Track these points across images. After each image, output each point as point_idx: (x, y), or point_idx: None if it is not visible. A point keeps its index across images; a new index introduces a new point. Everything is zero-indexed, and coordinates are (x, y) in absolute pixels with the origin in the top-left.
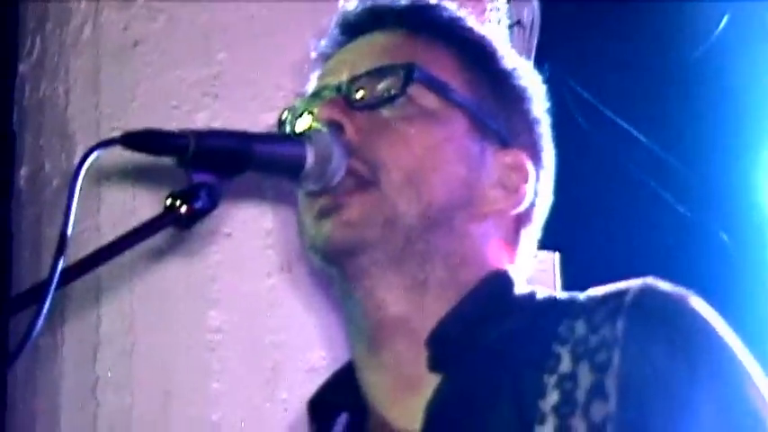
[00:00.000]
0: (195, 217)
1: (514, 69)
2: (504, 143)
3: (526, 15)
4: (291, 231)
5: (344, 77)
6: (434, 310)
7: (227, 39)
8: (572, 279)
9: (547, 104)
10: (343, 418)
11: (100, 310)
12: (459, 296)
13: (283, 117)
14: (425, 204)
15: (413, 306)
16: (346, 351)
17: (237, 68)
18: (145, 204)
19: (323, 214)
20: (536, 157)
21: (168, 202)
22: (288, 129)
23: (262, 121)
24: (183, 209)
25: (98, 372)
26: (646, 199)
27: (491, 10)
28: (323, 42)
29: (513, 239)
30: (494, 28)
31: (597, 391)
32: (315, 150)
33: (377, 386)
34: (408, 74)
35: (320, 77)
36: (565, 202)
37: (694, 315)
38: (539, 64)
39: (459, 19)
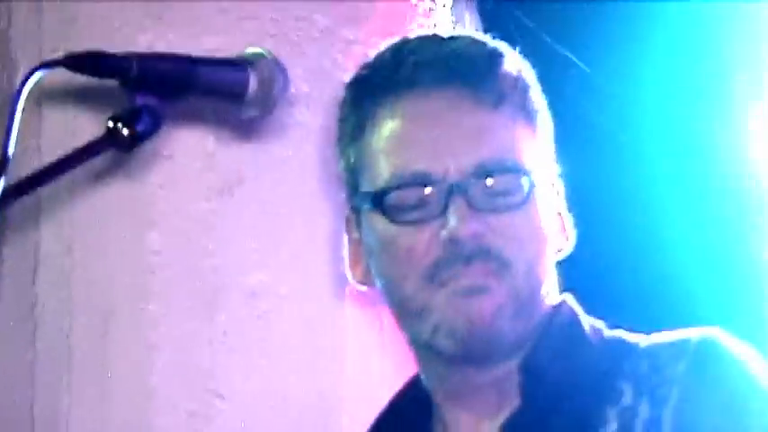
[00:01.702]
0: (137, 139)
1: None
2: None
3: None
4: (233, 154)
5: (451, 167)
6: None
7: None
8: None
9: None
10: None
11: (39, 232)
12: (540, 326)
13: (385, 190)
14: (541, 283)
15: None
16: (286, 273)
17: None
18: (86, 125)
19: (472, 292)
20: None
21: (110, 124)
22: (390, 199)
23: (204, 44)
24: (125, 131)
25: (37, 292)
26: (592, 131)
27: None
28: (372, 65)
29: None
30: None
31: (654, 422)
32: (257, 76)
33: (452, 411)
34: (530, 183)
35: (407, 144)
36: None
37: (750, 373)
38: None
39: (525, 82)
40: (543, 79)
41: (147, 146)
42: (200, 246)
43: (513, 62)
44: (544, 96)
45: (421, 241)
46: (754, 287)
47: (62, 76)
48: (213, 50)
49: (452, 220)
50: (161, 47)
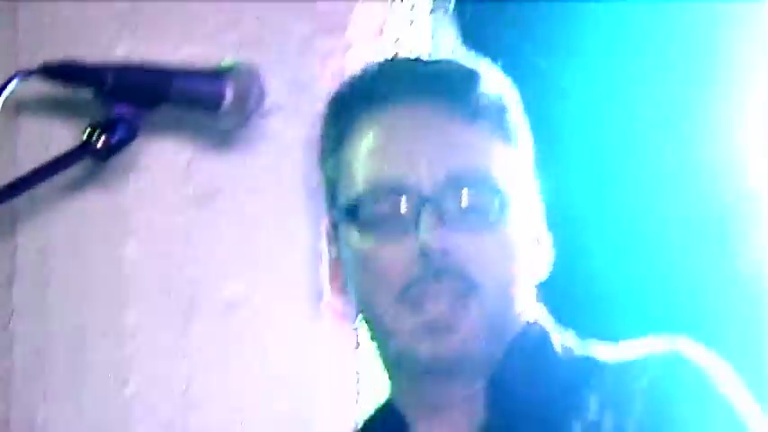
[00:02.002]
0: (113, 149)
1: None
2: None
3: None
4: (209, 164)
5: (424, 177)
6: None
7: None
8: None
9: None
10: None
11: (15, 240)
12: (508, 341)
13: (359, 200)
14: (513, 302)
15: None
16: (263, 285)
17: (156, 0)
18: (62, 135)
19: (432, 332)
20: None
21: (86, 133)
22: (364, 211)
23: (180, 54)
24: (102, 141)
25: (14, 301)
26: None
27: None
28: (351, 82)
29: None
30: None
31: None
32: (234, 87)
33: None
34: (503, 201)
35: (381, 155)
36: None
37: (714, 387)
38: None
39: (503, 101)
40: (520, 88)
41: (124, 156)
42: (176, 256)
43: (493, 82)
44: (522, 108)
45: (395, 258)
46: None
47: (37, 85)
48: (189, 61)
49: (423, 231)
50: (136, 56)
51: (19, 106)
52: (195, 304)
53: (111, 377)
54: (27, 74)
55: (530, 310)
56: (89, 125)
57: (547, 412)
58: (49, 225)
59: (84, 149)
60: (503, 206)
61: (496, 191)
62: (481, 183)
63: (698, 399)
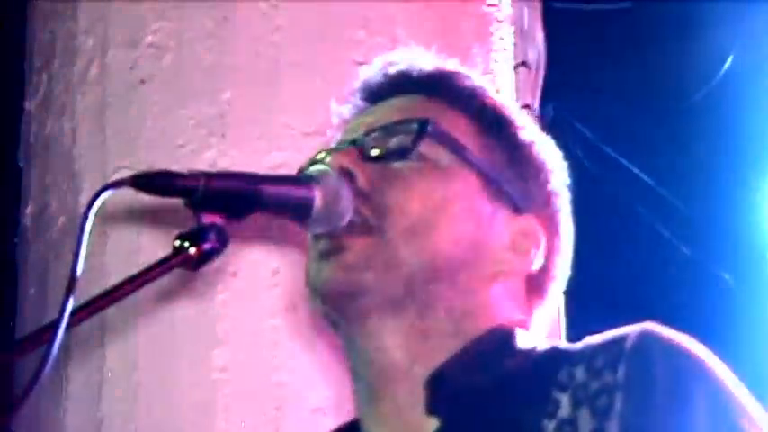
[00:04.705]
0: (204, 258)
1: (533, 142)
2: (518, 208)
3: (531, 56)
4: (297, 271)
5: (361, 133)
6: (435, 357)
7: (232, 78)
8: (576, 318)
9: (567, 180)
10: None
11: (105, 349)
12: (463, 346)
13: (304, 169)
14: (429, 255)
15: (413, 353)
16: (350, 392)
17: (243, 107)
18: (151, 243)
19: (323, 256)
20: (552, 229)
21: (177, 243)
22: None
23: (268, 161)
24: (192, 250)
25: (103, 411)
26: (649, 239)
27: (496, 51)
28: (344, 108)
29: (524, 309)
30: (499, 68)
31: None
32: (323, 193)
33: None
34: (421, 128)
35: (340, 138)
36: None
37: (693, 360)
38: (543, 104)
39: (479, 88)
40: (600, 188)
41: (213, 263)
42: (264, 362)
43: (469, 77)
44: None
45: None
46: None
47: (127, 194)
48: (277, 166)
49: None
50: (224, 163)
51: (108, 214)
52: (283, 410)
53: None
54: (118, 184)
55: (506, 314)
56: (180, 235)
57: (510, 409)
58: (137, 332)
59: (175, 259)
60: (418, 138)
61: (413, 124)
62: (403, 124)
63: (679, 379)
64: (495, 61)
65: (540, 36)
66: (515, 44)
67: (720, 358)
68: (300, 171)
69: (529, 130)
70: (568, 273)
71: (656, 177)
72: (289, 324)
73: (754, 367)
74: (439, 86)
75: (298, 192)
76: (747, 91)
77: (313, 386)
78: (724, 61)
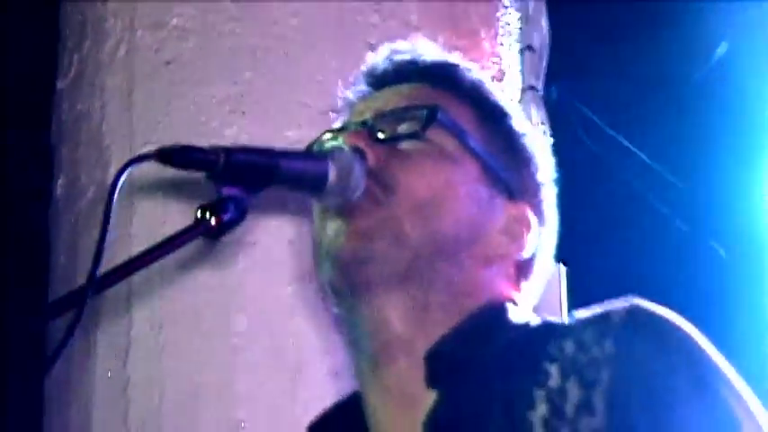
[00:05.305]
0: (224, 228)
1: (525, 134)
2: (512, 196)
3: (537, 40)
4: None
5: (369, 116)
6: (436, 331)
7: (253, 59)
8: (577, 289)
9: (554, 174)
10: None
11: (131, 314)
12: (460, 321)
13: (313, 148)
14: (432, 232)
15: (415, 326)
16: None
17: (263, 87)
18: (175, 214)
19: (335, 226)
20: (539, 217)
21: (199, 213)
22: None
23: (286, 137)
24: (213, 221)
25: (129, 372)
26: (647, 214)
27: (503, 35)
28: (349, 92)
29: (515, 288)
30: (506, 52)
31: (585, 407)
32: (336, 167)
33: (380, 409)
34: (431, 115)
35: (347, 120)
36: (570, 217)
37: (678, 335)
38: (547, 86)
39: (479, 81)
40: (601, 167)
41: (233, 233)
42: (283, 327)
43: (470, 69)
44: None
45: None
46: None
47: (152, 167)
48: (295, 142)
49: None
50: (245, 139)
51: (134, 187)
52: (301, 372)
53: None
54: (144, 158)
55: (500, 292)
56: (201, 206)
57: (503, 380)
58: (162, 298)
59: (197, 228)
60: (427, 122)
61: (422, 110)
62: (410, 110)
63: (668, 356)
64: (502, 45)
65: (544, 21)
66: (521, 29)
67: (715, 333)
68: (308, 149)
69: (522, 122)
70: (551, 262)
71: (655, 155)
72: (305, 291)
73: (748, 341)
74: (443, 77)
75: (313, 166)
76: (741, 72)
77: (329, 351)
78: (721, 42)
